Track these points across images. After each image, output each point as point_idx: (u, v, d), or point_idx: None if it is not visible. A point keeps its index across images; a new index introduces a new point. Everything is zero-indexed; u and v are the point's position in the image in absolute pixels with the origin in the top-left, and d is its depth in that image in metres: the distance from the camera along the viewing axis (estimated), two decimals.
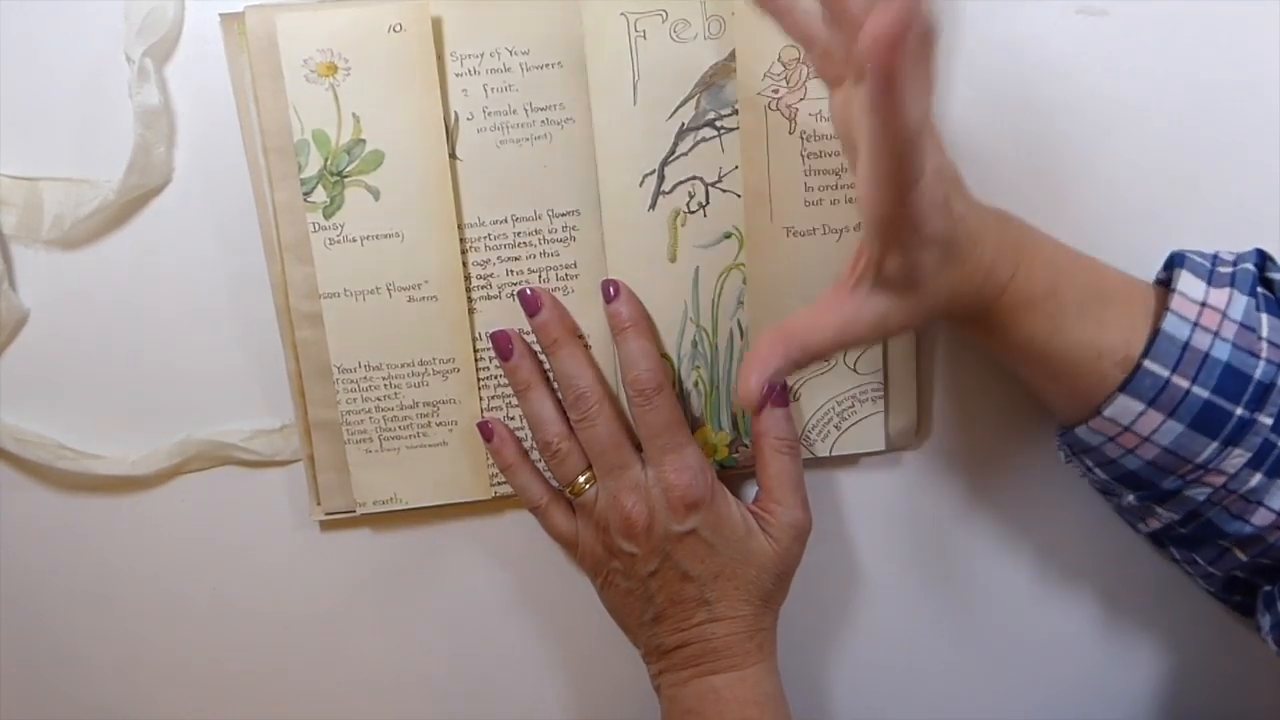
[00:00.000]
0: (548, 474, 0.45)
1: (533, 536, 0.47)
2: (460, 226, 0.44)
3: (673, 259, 0.44)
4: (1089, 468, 0.42)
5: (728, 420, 0.46)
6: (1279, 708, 0.50)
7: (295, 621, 0.49)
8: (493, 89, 0.43)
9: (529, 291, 0.44)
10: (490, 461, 0.46)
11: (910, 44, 0.26)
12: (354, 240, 0.43)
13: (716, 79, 0.42)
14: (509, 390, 0.45)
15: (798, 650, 0.49)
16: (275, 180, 0.43)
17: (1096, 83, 0.44)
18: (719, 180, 0.44)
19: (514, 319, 0.45)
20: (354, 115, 0.42)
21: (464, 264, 0.44)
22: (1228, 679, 0.50)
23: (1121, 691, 0.51)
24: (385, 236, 0.43)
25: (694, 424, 0.46)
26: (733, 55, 0.42)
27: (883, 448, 0.47)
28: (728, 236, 0.44)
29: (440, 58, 0.42)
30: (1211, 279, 0.38)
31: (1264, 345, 0.37)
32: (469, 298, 0.44)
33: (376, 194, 0.43)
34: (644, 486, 0.43)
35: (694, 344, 0.45)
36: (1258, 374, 0.36)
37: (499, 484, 0.46)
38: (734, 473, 0.47)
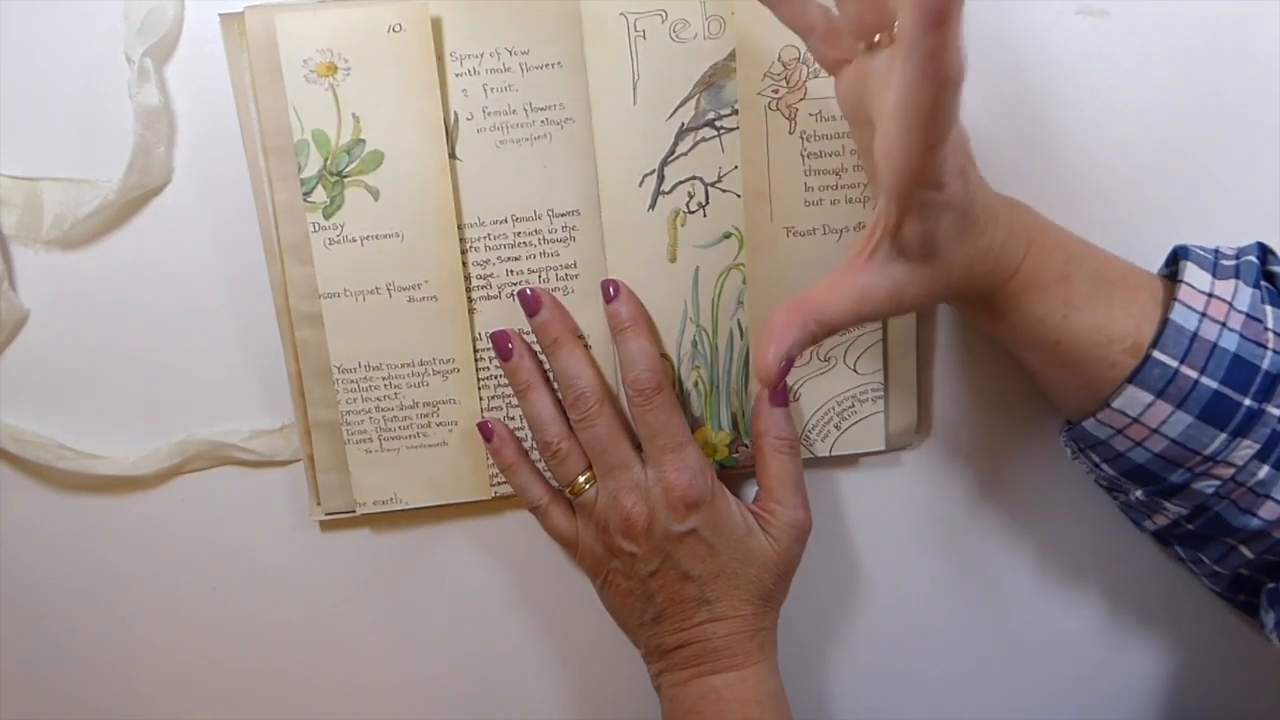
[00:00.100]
0: (548, 474, 0.45)
1: (533, 536, 0.47)
2: (460, 226, 0.44)
3: (672, 259, 0.44)
4: (1095, 463, 0.42)
5: (728, 420, 0.46)
6: None
7: (295, 621, 0.49)
8: (493, 89, 0.43)
9: (529, 291, 0.44)
10: (490, 461, 0.46)
11: None
12: (354, 240, 0.43)
13: (716, 79, 0.42)
14: (509, 390, 0.45)
15: (798, 650, 0.49)
16: (275, 180, 0.43)
17: (1096, 82, 0.44)
18: (719, 180, 0.44)
19: (514, 319, 0.45)
20: (354, 115, 0.42)
21: (464, 264, 0.44)
22: (1231, 678, 0.50)
23: (1124, 691, 0.51)
24: (385, 236, 0.43)
25: (694, 424, 0.46)
26: (733, 55, 0.42)
27: (883, 447, 0.47)
28: (727, 236, 0.44)
29: (440, 58, 0.42)
30: (1216, 271, 0.38)
31: (1270, 336, 0.37)
32: (469, 298, 0.44)
33: (376, 194, 0.43)
34: (644, 486, 0.43)
35: (694, 344, 0.45)
36: (1265, 364, 0.36)
37: (499, 484, 0.46)
38: (734, 473, 0.47)
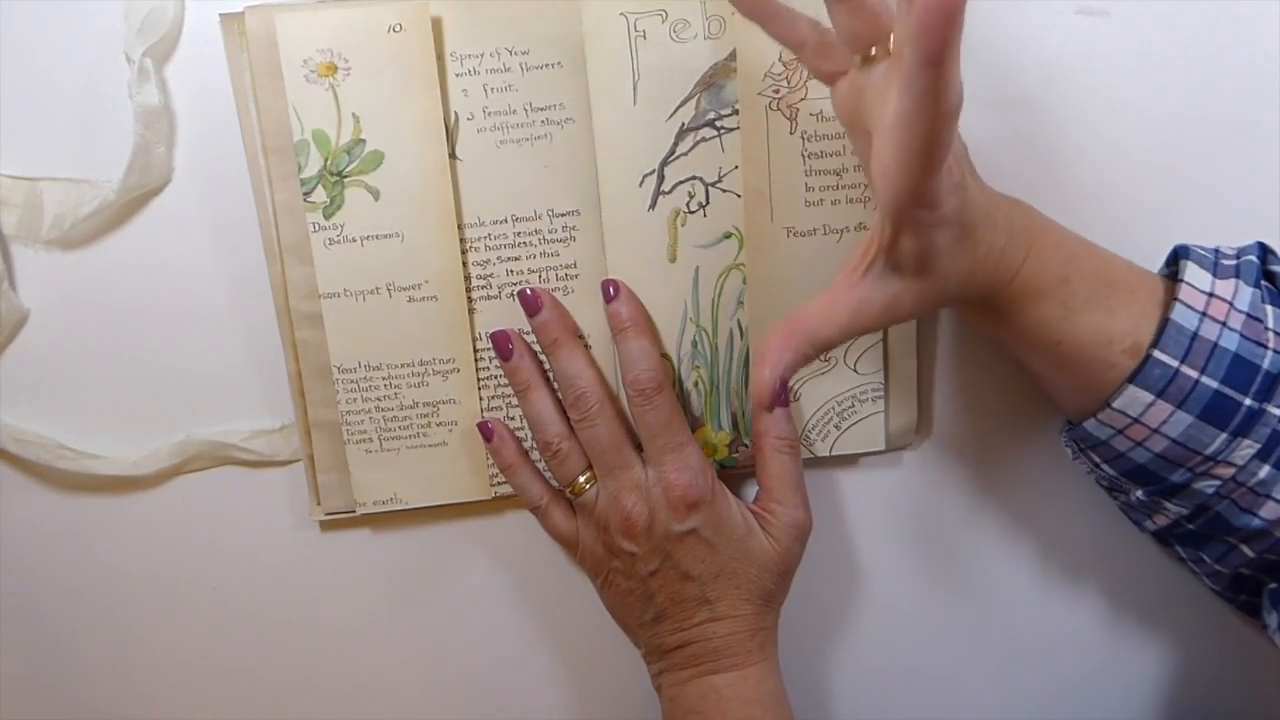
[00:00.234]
0: (548, 474, 0.45)
1: (533, 536, 0.47)
2: (460, 226, 0.44)
3: (673, 259, 0.44)
4: (1096, 464, 0.42)
5: (728, 420, 0.46)
6: None
7: (295, 621, 0.49)
8: (493, 89, 0.43)
9: (529, 291, 0.44)
10: (490, 461, 0.46)
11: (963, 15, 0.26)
12: (354, 240, 0.43)
13: (716, 79, 0.42)
14: (509, 390, 0.45)
15: (798, 650, 0.49)
16: (275, 180, 0.43)
17: (1096, 83, 0.44)
18: (719, 180, 0.44)
19: (514, 319, 0.45)
20: (354, 115, 0.42)
21: (464, 264, 0.44)
22: (1232, 678, 0.50)
23: (1124, 691, 0.51)
24: (385, 236, 0.43)
25: (694, 424, 0.46)
26: (733, 55, 0.42)
27: (883, 447, 0.47)
28: (728, 236, 0.44)
29: (440, 58, 0.42)
30: (1216, 270, 0.38)
31: (1271, 336, 0.37)
32: (469, 298, 0.44)
33: (376, 194, 0.43)
34: (644, 486, 0.43)
35: (694, 344, 0.45)
36: (1265, 364, 0.36)
37: (499, 484, 0.46)
38: (734, 473, 0.47)
